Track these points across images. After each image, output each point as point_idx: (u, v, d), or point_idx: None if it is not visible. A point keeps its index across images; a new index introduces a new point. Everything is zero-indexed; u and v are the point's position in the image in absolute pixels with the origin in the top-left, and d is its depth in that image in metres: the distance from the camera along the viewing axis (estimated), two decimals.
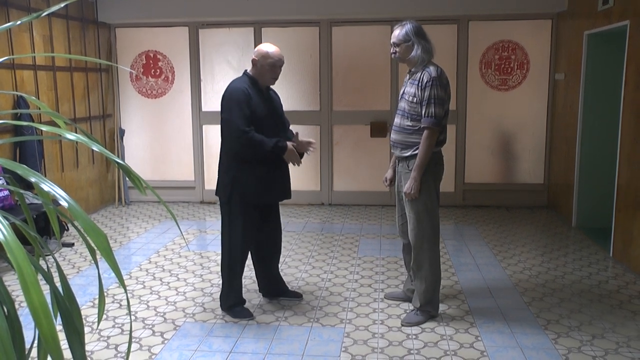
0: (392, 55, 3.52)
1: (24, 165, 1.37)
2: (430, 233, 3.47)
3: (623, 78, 4.69)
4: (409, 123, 3.43)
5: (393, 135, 3.56)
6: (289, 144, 3.49)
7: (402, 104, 3.50)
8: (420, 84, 3.36)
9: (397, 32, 3.44)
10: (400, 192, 3.58)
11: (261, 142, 3.38)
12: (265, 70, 3.48)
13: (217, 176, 3.63)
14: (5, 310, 1.32)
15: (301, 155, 3.64)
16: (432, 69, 3.37)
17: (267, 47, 3.51)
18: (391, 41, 3.48)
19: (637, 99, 4.43)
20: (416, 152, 3.39)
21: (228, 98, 3.44)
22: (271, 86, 3.69)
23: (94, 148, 1.45)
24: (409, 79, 3.52)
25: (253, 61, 3.50)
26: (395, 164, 3.68)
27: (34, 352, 1.60)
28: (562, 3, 6.06)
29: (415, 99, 3.38)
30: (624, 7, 4.67)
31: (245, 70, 3.59)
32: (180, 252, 5.03)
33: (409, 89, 3.45)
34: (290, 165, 3.69)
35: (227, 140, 3.48)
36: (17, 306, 3.64)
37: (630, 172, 4.51)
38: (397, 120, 3.53)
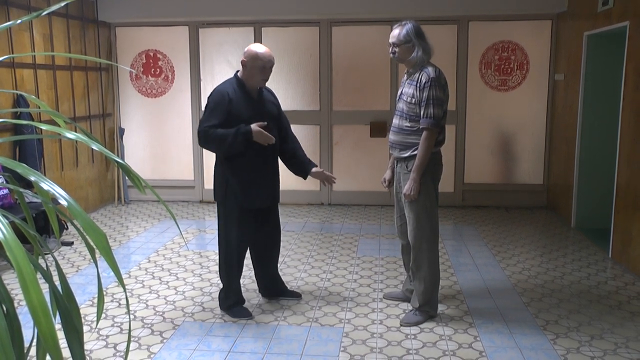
0: (391, 56, 3.49)
1: (24, 164, 1.37)
2: (430, 233, 3.47)
3: (623, 79, 4.69)
4: (408, 124, 3.42)
5: (391, 136, 3.55)
6: (253, 126, 3.37)
7: (401, 105, 3.49)
8: (418, 85, 3.35)
9: (397, 32, 3.41)
10: (399, 192, 3.58)
11: (222, 135, 3.35)
12: (255, 72, 3.44)
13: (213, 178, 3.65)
14: (5, 309, 1.32)
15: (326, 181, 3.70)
16: (430, 69, 3.36)
17: (257, 47, 3.46)
18: (390, 41, 3.45)
19: (637, 100, 4.43)
20: (415, 152, 3.39)
21: (207, 101, 3.49)
22: (269, 87, 3.68)
23: (94, 147, 1.46)
24: (406, 79, 3.51)
25: (242, 62, 3.46)
26: (394, 165, 3.68)
27: (33, 351, 1.60)
28: (562, 4, 6.06)
29: (414, 99, 3.37)
30: (624, 8, 4.67)
31: (236, 72, 3.57)
32: (179, 252, 5.03)
33: (407, 90, 3.45)
34: (284, 168, 3.70)
35: None
36: (16, 305, 3.64)
37: (630, 172, 4.51)
38: (395, 121, 3.53)
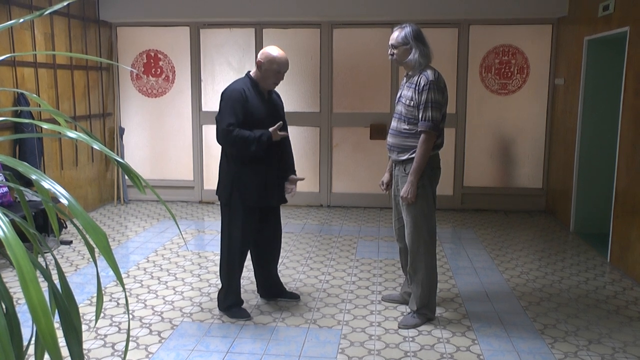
0: (390, 57, 3.52)
1: (25, 163, 1.37)
2: (427, 237, 3.47)
3: (622, 84, 4.70)
4: (406, 127, 3.43)
5: (390, 139, 3.56)
6: (271, 130, 3.43)
7: (399, 108, 3.50)
8: (417, 88, 3.36)
9: (396, 35, 3.44)
10: (397, 195, 3.58)
11: (245, 140, 3.36)
12: (269, 75, 3.47)
13: (217, 177, 3.65)
14: (4, 307, 1.32)
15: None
16: (429, 72, 3.37)
17: (275, 51, 3.48)
18: (389, 43, 3.48)
19: (636, 105, 4.44)
20: (413, 155, 3.39)
21: (222, 98, 3.48)
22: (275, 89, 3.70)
23: (95, 146, 1.46)
24: (406, 82, 3.52)
25: (258, 63, 3.49)
26: (392, 168, 3.69)
27: (32, 350, 1.60)
28: (563, 8, 6.07)
29: (412, 102, 3.38)
30: (625, 13, 4.68)
31: (248, 72, 3.59)
32: (178, 252, 5.03)
33: (406, 93, 3.45)
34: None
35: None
36: (15, 303, 3.63)
37: (629, 178, 4.52)
38: (393, 123, 3.54)
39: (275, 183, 3.57)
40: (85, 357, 3.10)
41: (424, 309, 3.55)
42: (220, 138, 3.44)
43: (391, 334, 3.43)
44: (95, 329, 3.44)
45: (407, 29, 3.41)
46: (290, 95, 6.75)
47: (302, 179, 3.75)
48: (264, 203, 3.56)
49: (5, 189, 4.72)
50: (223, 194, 3.56)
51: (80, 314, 1.95)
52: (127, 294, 4.03)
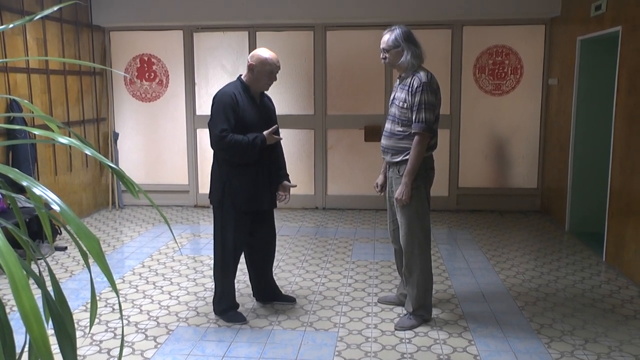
0: (382, 61, 3.51)
1: (16, 169, 1.36)
2: (422, 238, 3.47)
3: (615, 83, 4.72)
4: (400, 128, 3.43)
5: (383, 141, 3.56)
6: (265, 133, 3.45)
7: (393, 110, 3.50)
8: (410, 90, 3.36)
9: (387, 38, 3.44)
10: (392, 197, 3.58)
11: (239, 145, 3.36)
12: (262, 76, 3.47)
13: (209, 181, 3.64)
14: None
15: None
16: (422, 74, 3.37)
17: (265, 52, 3.48)
18: (381, 46, 3.47)
19: (629, 104, 4.46)
20: (407, 157, 3.39)
21: (213, 103, 3.47)
22: (265, 92, 3.69)
23: (87, 152, 1.45)
24: (399, 84, 3.52)
25: (249, 66, 3.48)
26: (386, 170, 3.69)
27: (25, 357, 1.59)
28: (556, 9, 6.10)
29: (406, 104, 3.38)
30: (617, 13, 4.71)
31: (240, 76, 3.58)
32: (173, 256, 5.01)
33: (399, 95, 3.46)
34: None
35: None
36: (8, 310, 3.62)
37: (623, 176, 4.53)
38: (387, 125, 3.54)
39: (266, 187, 3.56)
40: None
41: (420, 310, 3.54)
42: (214, 144, 3.43)
43: (388, 335, 3.42)
44: (90, 334, 3.42)
45: (397, 31, 3.40)
46: (284, 97, 6.75)
47: (294, 186, 3.75)
48: (254, 207, 3.55)
49: None
50: (215, 198, 3.55)
51: (75, 320, 1.95)
52: (123, 299, 4.01)
